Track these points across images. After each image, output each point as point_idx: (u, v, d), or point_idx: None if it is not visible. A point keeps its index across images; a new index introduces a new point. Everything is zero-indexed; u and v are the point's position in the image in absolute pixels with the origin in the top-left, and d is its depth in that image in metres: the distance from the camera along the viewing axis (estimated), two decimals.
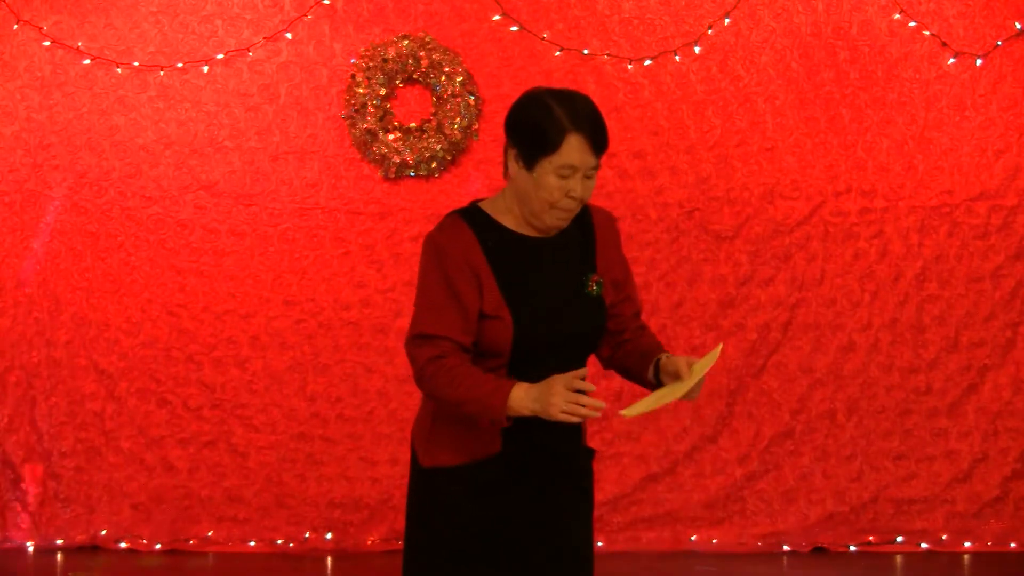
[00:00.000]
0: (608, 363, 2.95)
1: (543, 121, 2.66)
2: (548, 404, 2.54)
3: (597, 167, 2.71)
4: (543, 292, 2.72)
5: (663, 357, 2.78)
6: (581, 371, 2.58)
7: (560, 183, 2.66)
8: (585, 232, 2.83)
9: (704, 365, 2.65)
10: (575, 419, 2.54)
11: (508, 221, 2.76)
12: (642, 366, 2.82)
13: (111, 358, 5.98)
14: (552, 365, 2.67)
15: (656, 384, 2.79)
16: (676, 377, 2.70)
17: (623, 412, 2.59)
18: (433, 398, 2.72)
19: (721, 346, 2.80)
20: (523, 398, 2.58)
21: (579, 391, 2.54)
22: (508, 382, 2.62)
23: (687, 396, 2.68)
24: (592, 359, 2.93)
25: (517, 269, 2.71)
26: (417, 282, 2.75)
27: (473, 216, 2.75)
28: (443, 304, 2.66)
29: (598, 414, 2.54)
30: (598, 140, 2.68)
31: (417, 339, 2.69)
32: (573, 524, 2.87)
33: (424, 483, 2.82)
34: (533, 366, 2.68)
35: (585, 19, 6.01)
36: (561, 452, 2.83)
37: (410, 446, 2.89)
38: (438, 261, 2.68)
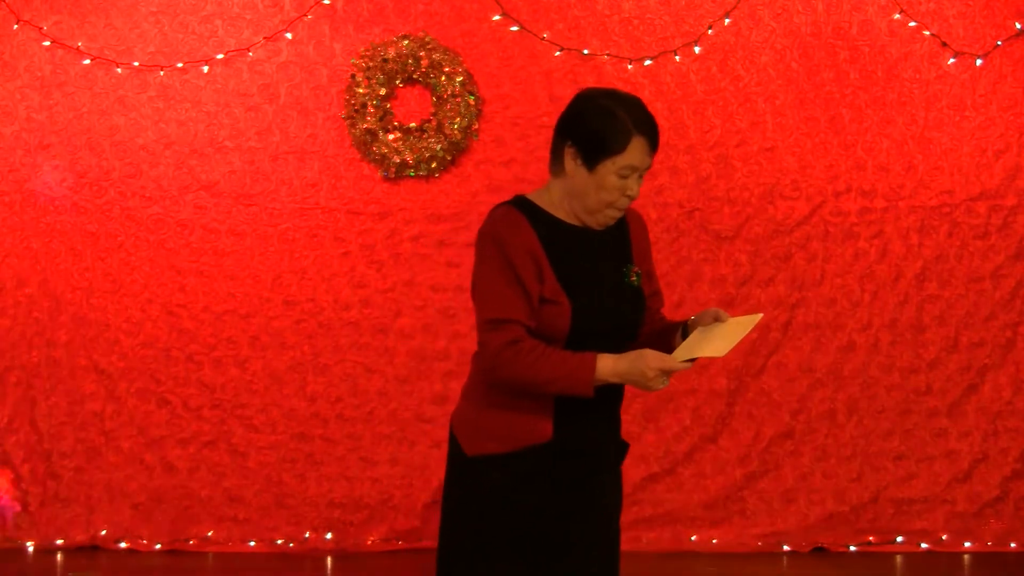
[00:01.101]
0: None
1: (609, 124, 2.78)
2: (646, 378, 2.71)
3: (649, 167, 2.85)
4: (594, 280, 2.83)
5: (690, 320, 2.90)
6: (674, 364, 2.75)
7: (620, 183, 2.79)
8: (620, 227, 2.94)
9: (744, 324, 2.80)
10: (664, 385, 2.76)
11: (558, 213, 2.86)
12: (669, 338, 2.94)
13: (111, 358, 5.99)
14: (601, 350, 2.78)
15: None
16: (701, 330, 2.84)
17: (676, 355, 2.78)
18: (510, 381, 2.77)
19: (761, 316, 2.92)
20: (611, 369, 2.73)
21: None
22: (590, 355, 2.73)
23: (717, 350, 2.79)
24: None
25: (570, 257, 2.81)
26: (476, 273, 2.82)
27: (524, 207, 2.85)
28: (508, 290, 2.75)
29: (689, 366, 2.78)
30: (656, 142, 2.83)
31: (488, 325, 2.76)
32: (608, 512, 2.95)
33: (468, 471, 2.86)
34: (585, 350, 2.77)
35: (585, 19, 6.01)
36: (603, 442, 2.92)
37: (449, 437, 2.94)
38: (499, 249, 2.77)
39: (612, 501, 2.96)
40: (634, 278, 2.89)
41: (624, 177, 2.78)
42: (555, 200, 2.86)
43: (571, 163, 2.82)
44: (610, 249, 2.89)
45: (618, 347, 2.86)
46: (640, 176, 2.82)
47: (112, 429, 5.97)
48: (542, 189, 2.90)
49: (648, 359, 2.72)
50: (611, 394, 2.88)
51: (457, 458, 2.90)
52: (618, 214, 2.85)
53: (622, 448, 2.99)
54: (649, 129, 2.80)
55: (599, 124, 2.79)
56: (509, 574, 2.81)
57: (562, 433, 2.80)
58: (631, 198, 2.82)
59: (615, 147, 2.77)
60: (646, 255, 3.00)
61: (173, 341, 6.00)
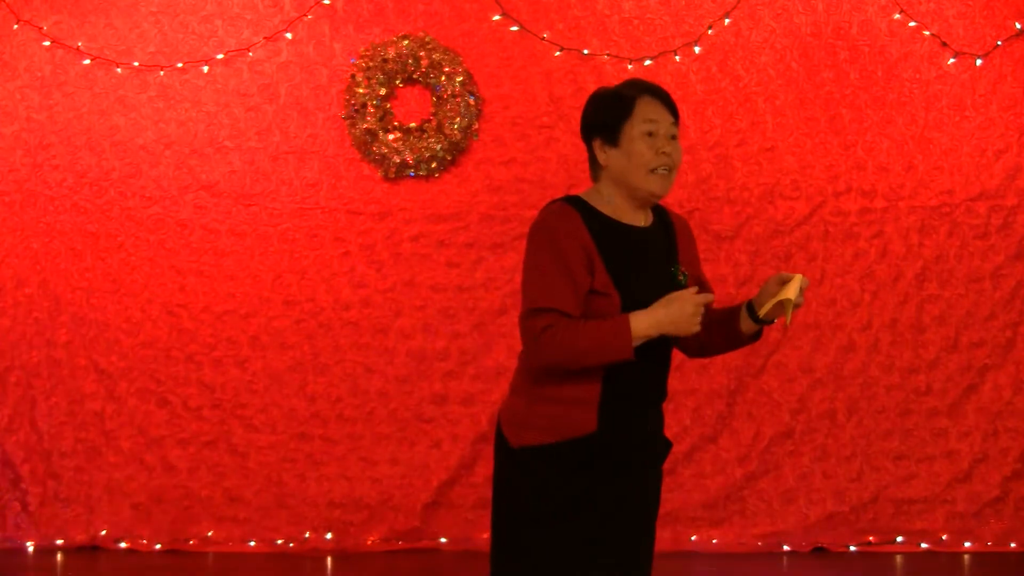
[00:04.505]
0: (701, 350, 3.09)
1: (611, 99, 2.90)
2: (685, 323, 2.76)
3: (677, 128, 2.90)
4: (643, 275, 2.88)
5: (754, 298, 2.92)
6: (706, 295, 2.81)
7: (649, 142, 2.86)
8: (667, 229, 3.01)
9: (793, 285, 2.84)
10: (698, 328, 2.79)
11: (607, 211, 2.91)
12: (732, 317, 2.97)
13: (111, 358, 5.99)
14: (649, 344, 2.82)
15: (754, 318, 2.92)
16: (774, 290, 2.86)
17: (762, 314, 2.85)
18: (554, 362, 2.81)
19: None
20: (648, 320, 2.77)
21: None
22: (622, 316, 2.78)
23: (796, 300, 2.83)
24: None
25: (620, 253, 2.86)
26: (526, 263, 2.87)
27: (577, 204, 2.90)
28: (556, 280, 2.80)
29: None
30: (666, 98, 2.90)
31: (528, 313, 2.81)
32: (648, 504, 2.99)
33: (513, 463, 2.90)
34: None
35: (585, 19, 6.01)
36: (647, 435, 2.95)
37: (496, 432, 2.98)
38: (551, 241, 2.82)
39: (652, 495, 3.01)
40: (681, 278, 2.94)
41: (649, 134, 2.85)
42: (604, 198, 2.92)
43: (602, 154, 2.90)
44: (658, 249, 2.95)
45: (665, 344, 2.91)
46: (672, 137, 2.87)
47: (112, 429, 5.97)
48: (590, 190, 2.96)
49: (682, 293, 2.78)
50: (654, 388, 2.94)
51: (503, 451, 2.94)
52: (665, 175, 2.87)
53: (665, 445, 3.03)
54: (651, 88, 2.89)
55: (604, 103, 2.91)
56: (556, 562, 2.84)
57: (606, 425, 2.84)
58: (669, 156, 2.86)
59: (623, 112, 2.86)
60: (693, 259, 3.06)
61: (173, 341, 6.00)
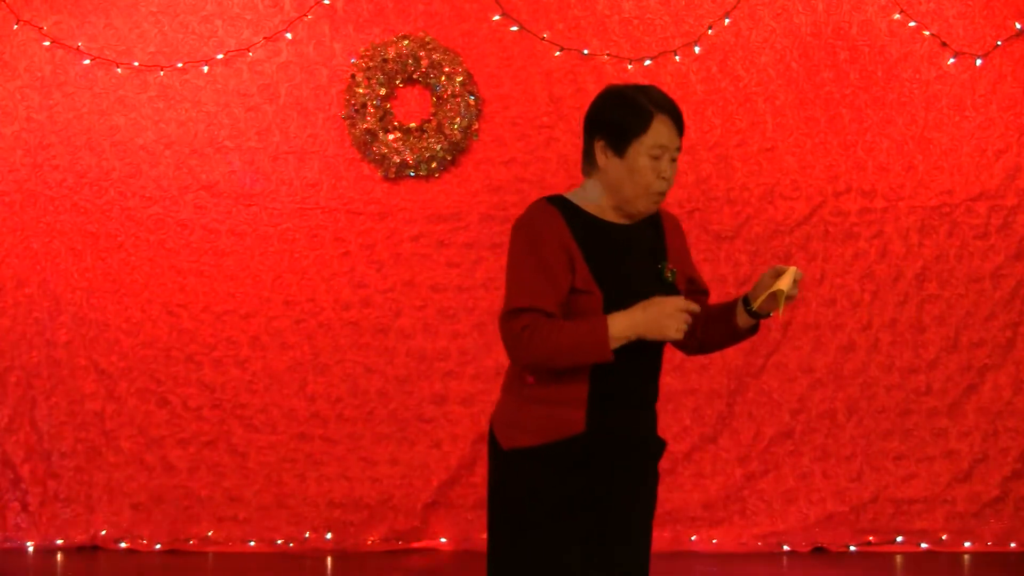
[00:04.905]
0: (699, 347, 3.08)
1: (629, 107, 2.85)
2: (662, 327, 2.74)
3: (679, 149, 2.88)
4: (627, 273, 2.86)
5: (749, 292, 2.92)
6: (691, 303, 2.79)
7: (652, 164, 2.84)
8: (656, 227, 2.99)
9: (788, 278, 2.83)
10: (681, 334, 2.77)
11: (592, 209, 2.90)
12: (729, 312, 2.97)
13: (111, 358, 5.99)
14: (637, 344, 2.79)
15: (748, 311, 2.91)
16: (769, 283, 2.85)
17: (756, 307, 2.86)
18: (533, 363, 2.81)
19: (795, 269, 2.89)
20: (627, 321, 2.75)
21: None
22: (601, 317, 2.76)
23: (788, 293, 2.83)
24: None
25: (603, 251, 2.85)
26: (508, 263, 2.86)
27: (559, 203, 2.89)
28: (536, 280, 2.79)
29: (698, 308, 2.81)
30: (679, 121, 2.88)
31: (508, 315, 2.80)
32: (643, 503, 2.98)
33: (504, 465, 2.90)
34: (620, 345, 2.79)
35: (585, 19, 6.01)
36: (638, 434, 2.94)
37: (488, 434, 2.98)
38: (532, 240, 2.82)
39: (649, 494, 3.00)
40: (669, 275, 2.92)
41: (655, 158, 2.83)
42: (590, 197, 2.91)
43: (602, 157, 2.88)
44: (645, 246, 2.93)
45: (656, 345, 2.88)
46: (673, 159, 2.86)
47: (112, 429, 5.97)
48: (577, 188, 2.95)
49: (664, 297, 2.77)
50: (645, 389, 2.92)
51: (495, 453, 2.94)
52: (658, 198, 2.88)
53: (659, 445, 3.01)
54: (670, 107, 2.85)
55: (620, 110, 2.85)
56: (552, 564, 2.84)
57: (594, 425, 2.83)
58: (667, 180, 2.85)
59: (639, 128, 2.82)
60: (683, 255, 3.04)
61: (173, 341, 6.00)
